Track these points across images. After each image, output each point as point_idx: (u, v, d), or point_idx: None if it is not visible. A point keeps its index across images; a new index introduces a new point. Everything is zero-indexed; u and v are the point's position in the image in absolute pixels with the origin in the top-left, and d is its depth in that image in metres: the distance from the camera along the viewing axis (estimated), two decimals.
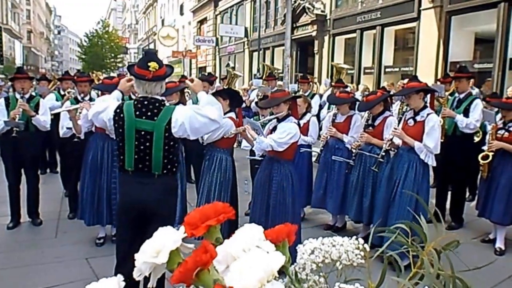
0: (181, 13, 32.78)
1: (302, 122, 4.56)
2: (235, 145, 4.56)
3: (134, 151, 2.57)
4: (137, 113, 2.56)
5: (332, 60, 15.53)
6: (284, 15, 13.26)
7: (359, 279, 0.69)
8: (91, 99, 4.83)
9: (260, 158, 3.86)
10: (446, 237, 0.70)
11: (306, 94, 7.34)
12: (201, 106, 2.75)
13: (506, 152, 4.23)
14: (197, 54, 29.24)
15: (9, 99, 4.66)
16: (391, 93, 5.85)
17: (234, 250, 0.61)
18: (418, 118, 3.82)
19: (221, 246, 0.63)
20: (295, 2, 16.54)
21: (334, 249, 0.70)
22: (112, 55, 41.79)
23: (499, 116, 4.57)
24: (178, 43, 29.63)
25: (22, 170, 4.73)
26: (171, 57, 30.29)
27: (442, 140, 4.01)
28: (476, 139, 5.03)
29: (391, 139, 3.90)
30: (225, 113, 3.92)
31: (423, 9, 12.17)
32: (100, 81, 5.76)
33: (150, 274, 0.62)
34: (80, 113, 4.16)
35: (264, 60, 19.24)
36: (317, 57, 17.18)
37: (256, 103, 7.14)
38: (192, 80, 3.09)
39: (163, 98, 3.08)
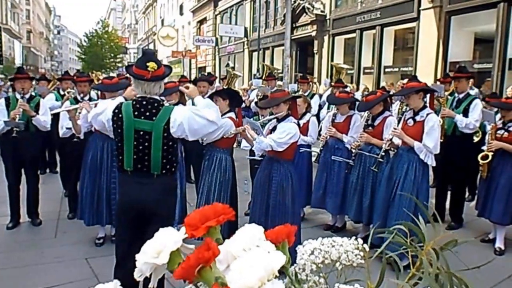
0: (181, 13, 32.78)
1: (301, 122, 4.56)
2: (234, 145, 4.56)
3: (133, 151, 2.58)
4: (136, 113, 2.56)
5: (332, 60, 15.54)
6: (284, 15, 13.26)
7: (359, 280, 0.69)
8: (90, 99, 4.83)
9: (259, 158, 3.87)
10: (444, 236, 0.70)
11: (306, 94, 7.34)
12: (199, 108, 2.76)
13: (506, 152, 4.24)
14: (197, 54, 29.25)
15: (9, 99, 4.66)
16: (391, 93, 5.85)
17: (235, 250, 0.61)
18: (417, 118, 3.82)
19: (221, 246, 0.63)
20: (294, 2, 16.54)
21: (333, 249, 0.70)
22: (112, 55, 41.76)
23: (498, 116, 4.58)
24: (178, 43, 29.62)
25: (22, 170, 4.73)
26: (171, 57, 30.29)
27: (441, 140, 4.01)
28: (476, 139, 5.03)
29: (391, 139, 3.90)
30: (224, 113, 3.93)
31: (423, 9, 12.17)
32: (100, 81, 5.76)
33: (151, 275, 0.62)
34: (79, 113, 4.16)
35: (263, 60, 19.24)
36: (316, 57, 17.18)
37: (256, 103, 7.14)
38: (187, 87, 3.09)
39: (162, 98, 3.08)
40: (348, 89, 5.98)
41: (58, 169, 6.69)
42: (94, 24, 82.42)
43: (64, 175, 5.82)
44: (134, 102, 2.60)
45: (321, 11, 16.52)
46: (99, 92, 4.83)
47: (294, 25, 16.68)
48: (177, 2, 33.97)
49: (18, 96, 4.56)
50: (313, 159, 4.94)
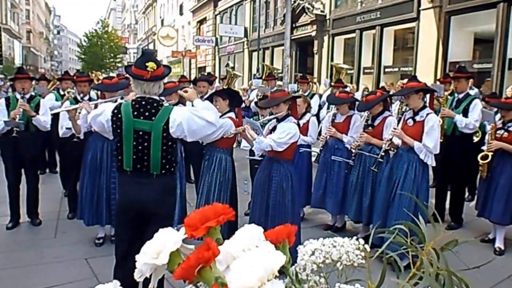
0: (181, 13, 32.78)
1: (301, 122, 4.56)
2: (234, 145, 4.56)
3: (133, 151, 2.57)
4: (135, 113, 2.56)
5: (332, 60, 15.54)
6: (284, 15, 13.26)
7: (359, 280, 0.69)
8: (90, 99, 4.82)
9: (259, 158, 3.86)
10: (445, 236, 0.70)
11: (306, 94, 7.34)
12: (199, 109, 2.76)
13: (505, 152, 4.24)
14: (197, 54, 29.25)
15: (9, 99, 4.66)
16: (391, 93, 5.85)
17: (234, 250, 0.61)
18: (417, 118, 3.82)
19: (221, 246, 0.63)
20: (294, 2, 16.54)
21: (334, 249, 0.70)
22: (112, 55, 41.73)
23: (498, 116, 4.58)
24: (178, 43, 29.63)
25: (22, 170, 4.73)
26: (171, 57, 30.30)
27: (441, 140, 4.01)
28: (476, 139, 5.03)
29: (391, 139, 3.90)
30: (224, 113, 3.93)
31: (423, 9, 12.17)
32: (100, 81, 5.76)
33: (151, 275, 0.62)
34: (79, 113, 4.16)
35: (263, 60, 19.24)
36: (316, 57, 17.19)
37: (256, 103, 7.14)
38: (186, 91, 3.10)
39: (162, 98, 3.08)
40: (348, 89, 5.98)
41: (58, 169, 6.69)
42: (94, 24, 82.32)
43: (64, 175, 5.82)
44: (133, 102, 2.60)
45: (321, 11, 16.52)
46: (99, 92, 4.83)
47: (294, 25, 16.68)
48: (177, 2, 33.97)
49: (18, 96, 4.56)
50: (313, 159, 4.94)
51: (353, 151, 4.31)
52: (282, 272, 0.64)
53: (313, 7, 16.63)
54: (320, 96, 8.59)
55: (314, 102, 7.28)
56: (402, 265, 0.71)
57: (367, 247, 0.71)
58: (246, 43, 23.27)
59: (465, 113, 4.86)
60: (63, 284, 3.42)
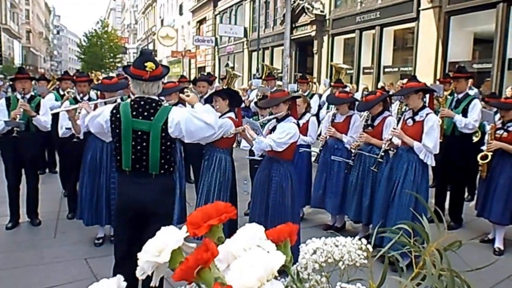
0: (180, 13, 32.78)
1: (301, 122, 4.56)
2: (234, 145, 4.56)
3: (131, 151, 2.57)
4: (134, 113, 2.56)
5: (331, 60, 15.55)
6: (283, 15, 13.25)
7: (361, 279, 0.69)
8: (90, 99, 4.82)
9: (259, 158, 3.86)
10: (448, 237, 0.70)
11: (305, 94, 7.34)
12: (198, 111, 2.76)
13: (505, 152, 4.24)
14: (196, 54, 29.24)
15: (10, 99, 4.67)
16: (390, 93, 5.85)
17: (235, 249, 0.61)
18: (417, 118, 3.82)
19: (222, 245, 0.63)
20: (294, 2, 16.54)
21: (336, 249, 0.70)
22: (111, 55, 41.71)
23: (498, 116, 4.58)
24: (177, 43, 29.62)
25: (23, 170, 4.72)
26: (170, 57, 30.30)
27: (441, 140, 4.01)
28: (475, 139, 5.03)
29: (390, 139, 3.90)
30: (224, 113, 3.93)
31: (422, 9, 12.18)
32: (99, 81, 5.76)
33: (152, 274, 0.62)
34: (79, 113, 4.15)
35: (263, 60, 19.25)
36: (316, 57, 17.19)
37: (256, 103, 7.14)
38: (188, 95, 3.14)
39: (162, 98, 3.07)
40: (347, 89, 5.98)
41: (57, 169, 6.69)
42: (93, 24, 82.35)
43: (63, 175, 5.82)
44: (132, 102, 2.60)
45: (321, 11, 16.53)
46: (98, 92, 4.83)
47: (293, 25, 16.69)
48: (177, 2, 33.98)
49: (18, 96, 4.56)
50: (313, 159, 4.94)
51: (353, 151, 4.31)
52: (284, 271, 0.64)
53: (312, 7, 16.64)
54: (320, 96, 8.58)
55: (314, 102, 7.28)
56: (404, 265, 0.71)
57: (370, 247, 0.71)
58: (245, 43, 23.27)
59: (465, 113, 4.86)
60: (63, 284, 3.41)
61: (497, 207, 4.23)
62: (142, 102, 2.58)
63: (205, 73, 13.47)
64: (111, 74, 26.00)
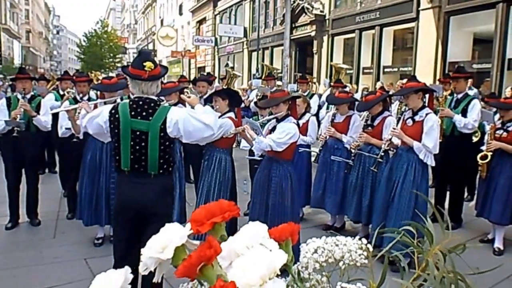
0: (180, 13, 32.78)
1: (301, 122, 4.56)
2: (234, 145, 4.56)
3: (130, 151, 2.57)
4: (132, 113, 2.56)
5: (331, 60, 15.56)
6: (283, 15, 13.25)
7: (362, 279, 0.69)
8: (90, 99, 4.82)
9: (259, 158, 3.86)
10: (452, 239, 0.70)
11: (305, 94, 7.34)
12: (197, 112, 2.76)
13: (505, 152, 4.24)
14: (196, 54, 29.24)
15: (10, 99, 4.68)
16: (390, 93, 5.85)
17: (238, 247, 0.62)
18: (416, 118, 3.82)
19: (225, 243, 0.63)
20: (294, 2, 16.55)
21: (337, 248, 0.70)
22: (111, 55, 41.68)
23: (497, 116, 4.58)
24: (177, 43, 29.63)
25: (23, 170, 4.72)
26: (170, 57, 30.30)
27: (440, 140, 4.01)
28: (475, 139, 5.03)
29: (390, 139, 3.90)
30: (224, 113, 3.93)
31: (422, 9, 12.18)
32: (99, 81, 5.75)
33: (153, 273, 0.62)
34: (78, 113, 4.14)
35: (263, 60, 19.25)
36: (316, 57, 17.20)
37: (255, 103, 7.14)
38: (189, 97, 3.13)
39: (162, 98, 3.07)
40: (347, 89, 5.99)
41: (57, 169, 6.69)
42: (93, 24, 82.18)
43: (63, 175, 5.81)
44: (130, 102, 2.60)
45: (320, 11, 16.53)
46: (98, 92, 4.83)
47: (293, 25, 16.69)
48: (177, 2, 33.97)
49: (19, 96, 4.57)
50: (313, 159, 4.94)
51: (353, 151, 4.31)
52: (285, 270, 0.64)
53: (312, 7, 16.64)
54: (320, 96, 8.59)
55: (314, 102, 7.28)
56: (406, 265, 0.71)
57: (370, 247, 0.71)
58: (245, 43, 23.27)
59: (464, 113, 4.86)
60: (62, 285, 3.41)
61: (497, 207, 4.23)
62: (140, 102, 2.58)
63: (205, 73, 13.47)
64: (110, 74, 25.99)
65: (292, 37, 15.56)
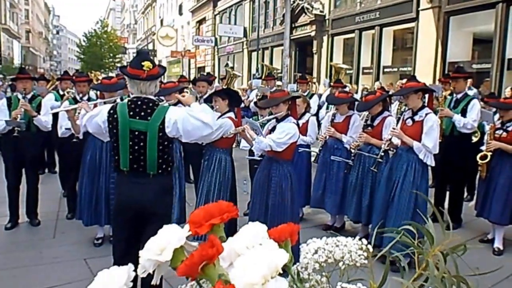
0: (180, 13, 32.77)
1: (301, 122, 4.56)
2: (234, 145, 4.56)
3: (129, 151, 2.57)
4: (131, 113, 2.56)
5: (331, 60, 15.56)
6: (283, 15, 13.26)
7: (362, 279, 0.69)
8: (89, 99, 4.82)
9: (259, 158, 3.86)
10: (453, 240, 0.70)
11: (305, 94, 7.34)
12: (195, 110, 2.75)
13: (504, 152, 4.24)
14: (196, 54, 29.23)
15: (11, 99, 4.68)
16: (390, 93, 5.85)
17: (238, 247, 0.61)
18: (416, 118, 3.82)
19: (225, 243, 0.63)
20: (294, 2, 16.55)
21: (337, 249, 0.70)
22: (111, 55, 41.65)
23: (497, 116, 4.58)
24: (177, 43, 29.62)
25: (23, 170, 4.72)
26: (170, 57, 30.30)
27: (440, 140, 4.01)
28: (474, 139, 5.03)
29: (390, 139, 3.90)
30: (224, 113, 3.93)
31: (422, 10, 12.19)
32: (99, 81, 5.75)
33: (152, 273, 0.62)
34: (78, 113, 4.14)
35: (263, 60, 19.25)
36: (316, 57, 17.20)
37: (255, 103, 7.14)
38: (183, 95, 3.12)
39: (162, 98, 3.07)
40: (347, 89, 5.99)
41: (57, 169, 6.68)
42: (93, 24, 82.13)
43: (63, 175, 5.81)
44: (129, 102, 2.60)
45: (320, 11, 16.53)
46: (98, 92, 4.83)
47: (293, 25, 16.69)
48: (176, 2, 33.96)
49: (20, 96, 4.57)
50: (312, 159, 4.94)
51: (353, 151, 4.31)
52: (284, 271, 0.64)
53: (312, 7, 16.64)
54: (320, 96, 8.59)
55: (314, 102, 7.28)
56: (406, 265, 0.71)
57: (370, 247, 0.71)
58: (245, 43, 23.27)
59: (464, 113, 4.86)
60: (62, 285, 3.41)
61: (497, 207, 4.24)
62: (139, 102, 2.57)
63: (205, 73, 13.48)
64: (110, 74, 25.97)
65: (292, 37, 15.57)
